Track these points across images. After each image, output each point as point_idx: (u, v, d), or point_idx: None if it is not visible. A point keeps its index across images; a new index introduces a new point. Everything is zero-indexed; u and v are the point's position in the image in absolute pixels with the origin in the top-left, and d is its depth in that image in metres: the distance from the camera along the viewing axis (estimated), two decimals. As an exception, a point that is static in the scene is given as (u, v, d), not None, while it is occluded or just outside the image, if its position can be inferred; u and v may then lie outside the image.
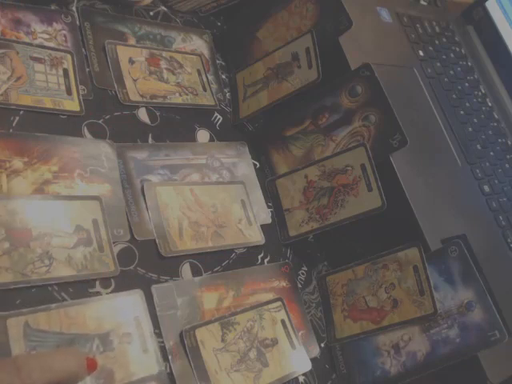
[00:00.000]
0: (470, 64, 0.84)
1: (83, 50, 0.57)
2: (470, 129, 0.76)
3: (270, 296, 0.56)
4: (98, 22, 0.59)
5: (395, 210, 0.55)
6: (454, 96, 0.77)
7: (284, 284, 0.58)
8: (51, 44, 0.54)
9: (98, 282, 0.47)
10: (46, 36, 0.54)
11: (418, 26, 0.80)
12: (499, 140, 0.79)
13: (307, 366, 0.55)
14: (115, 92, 0.57)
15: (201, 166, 0.59)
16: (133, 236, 0.50)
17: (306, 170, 0.61)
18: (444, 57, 0.81)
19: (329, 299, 0.61)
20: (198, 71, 0.65)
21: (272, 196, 0.63)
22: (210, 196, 0.57)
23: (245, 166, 0.63)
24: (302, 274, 0.61)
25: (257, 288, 0.56)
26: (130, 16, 0.62)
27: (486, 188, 0.71)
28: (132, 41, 0.61)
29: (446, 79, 0.78)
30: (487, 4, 0.88)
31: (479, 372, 0.55)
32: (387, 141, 0.57)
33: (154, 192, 0.53)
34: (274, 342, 0.53)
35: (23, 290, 0.43)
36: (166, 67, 0.62)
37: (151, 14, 0.65)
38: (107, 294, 0.47)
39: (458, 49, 0.84)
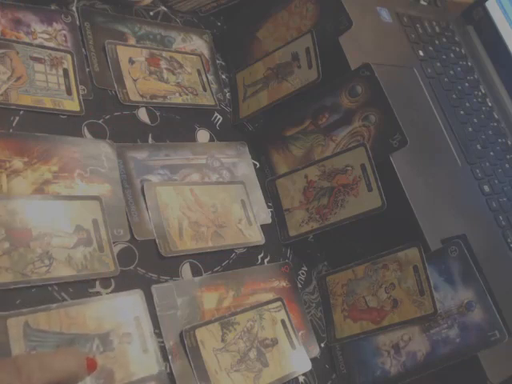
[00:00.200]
0: (470, 64, 0.84)
1: (83, 49, 0.57)
2: (470, 129, 0.76)
3: (270, 296, 0.56)
4: (97, 22, 0.59)
5: (395, 209, 0.55)
6: (454, 96, 0.77)
7: (284, 284, 0.58)
8: (51, 44, 0.54)
9: (97, 282, 0.47)
10: (46, 36, 0.54)
11: (418, 25, 0.80)
12: (499, 140, 0.79)
13: (307, 366, 0.55)
14: (115, 92, 0.57)
15: (201, 165, 0.59)
16: (133, 236, 0.50)
17: (305, 170, 0.61)
18: (444, 57, 0.81)
19: (329, 299, 0.61)
20: (198, 71, 0.65)
21: (272, 196, 0.63)
22: (210, 196, 0.57)
23: (245, 166, 0.63)
24: (302, 273, 0.61)
25: (257, 288, 0.56)
26: (129, 16, 0.62)
27: (486, 188, 0.71)
28: (132, 41, 0.61)
29: (446, 79, 0.78)
30: (487, 4, 0.88)
31: (479, 372, 0.55)
32: (387, 141, 0.57)
33: (154, 192, 0.53)
34: (274, 341, 0.53)
35: (23, 290, 0.43)
36: (166, 67, 0.62)
37: (151, 13, 0.65)
38: (107, 294, 0.47)
39: (457, 49, 0.84)
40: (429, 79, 0.75)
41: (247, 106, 0.65)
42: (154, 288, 0.49)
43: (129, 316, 0.47)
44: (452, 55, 0.83)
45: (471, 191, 0.70)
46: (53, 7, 0.56)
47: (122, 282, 0.48)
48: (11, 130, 0.48)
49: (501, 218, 0.70)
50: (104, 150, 0.52)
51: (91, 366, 0.39)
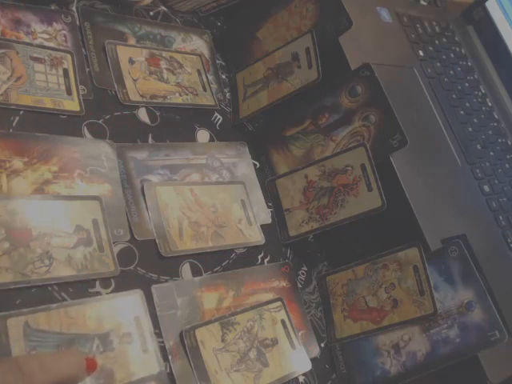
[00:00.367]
0: (470, 64, 0.84)
1: (83, 50, 0.57)
2: (470, 129, 0.76)
3: (270, 296, 0.56)
4: (97, 22, 0.59)
5: (395, 209, 0.55)
6: (454, 96, 0.77)
7: (284, 284, 0.58)
8: (51, 44, 0.54)
9: (97, 282, 0.47)
10: (46, 36, 0.54)
11: (418, 25, 0.80)
12: (499, 140, 0.79)
13: (307, 366, 0.55)
14: (115, 92, 0.57)
15: (201, 165, 0.59)
16: (133, 236, 0.50)
17: (305, 170, 0.61)
18: (444, 57, 0.81)
19: (329, 299, 0.61)
20: (198, 71, 0.65)
21: (272, 196, 0.63)
22: (210, 196, 0.57)
23: (245, 166, 0.63)
24: (302, 273, 0.61)
25: (257, 288, 0.56)
26: (130, 16, 0.62)
27: (486, 188, 0.71)
28: (132, 41, 0.61)
29: (446, 79, 0.78)
30: (487, 4, 0.88)
31: (479, 372, 0.55)
32: (387, 141, 0.57)
33: (154, 192, 0.53)
34: (274, 341, 0.53)
35: (23, 290, 0.43)
36: (166, 67, 0.62)
37: (151, 13, 0.65)
38: (107, 293, 0.47)
39: (458, 49, 0.84)
40: (429, 79, 0.75)
41: (247, 105, 0.65)
42: (154, 288, 0.49)
43: (129, 316, 0.47)
44: (452, 55, 0.83)
45: (471, 191, 0.70)
46: (53, 7, 0.56)
47: (122, 282, 0.48)
48: (11, 130, 0.48)
49: (501, 218, 0.70)
50: (104, 150, 0.52)
51: (91, 366, 0.39)
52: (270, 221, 0.61)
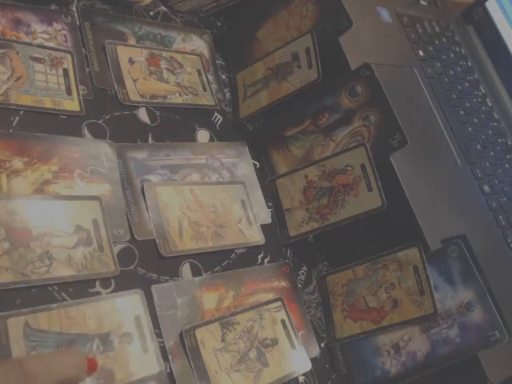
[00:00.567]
0: (470, 64, 0.84)
1: (83, 50, 0.57)
2: (470, 129, 0.76)
3: (270, 296, 0.56)
4: (97, 22, 0.59)
5: (395, 209, 0.55)
6: (454, 96, 0.77)
7: (284, 284, 0.58)
8: (51, 44, 0.54)
9: (97, 282, 0.47)
10: (46, 36, 0.54)
11: (418, 25, 0.80)
12: (499, 140, 0.79)
13: (307, 366, 0.55)
14: (115, 92, 0.57)
15: (201, 165, 0.59)
16: (133, 236, 0.50)
17: (305, 170, 0.61)
18: (444, 57, 0.81)
19: (329, 299, 0.61)
20: (198, 71, 0.65)
21: (272, 196, 0.63)
22: (210, 196, 0.57)
23: (245, 166, 0.63)
24: (302, 273, 0.61)
25: (257, 288, 0.56)
26: (130, 16, 0.62)
27: (486, 188, 0.71)
28: (132, 41, 0.61)
29: (446, 79, 0.78)
30: (487, 4, 0.88)
31: (479, 372, 0.55)
32: (387, 141, 0.57)
33: (154, 192, 0.53)
34: (274, 341, 0.53)
35: (23, 290, 0.43)
36: (166, 67, 0.62)
37: (151, 13, 0.65)
38: (107, 293, 0.47)
39: (458, 49, 0.84)
40: (429, 79, 0.75)
41: (247, 106, 0.65)
42: (154, 288, 0.49)
43: (129, 316, 0.47)
44: (452, 55, 0.83)
45: (471, 191, 0.70)
46: (53, 7, 0.56)
47: (122, 282, 0.48)
48: (11, 130, 0.48)
49: (501, 218, 0.70)
50: (104, 150, 0.52)
51: (92, 366, 0.39)
52: (270, 221, 0.61)
